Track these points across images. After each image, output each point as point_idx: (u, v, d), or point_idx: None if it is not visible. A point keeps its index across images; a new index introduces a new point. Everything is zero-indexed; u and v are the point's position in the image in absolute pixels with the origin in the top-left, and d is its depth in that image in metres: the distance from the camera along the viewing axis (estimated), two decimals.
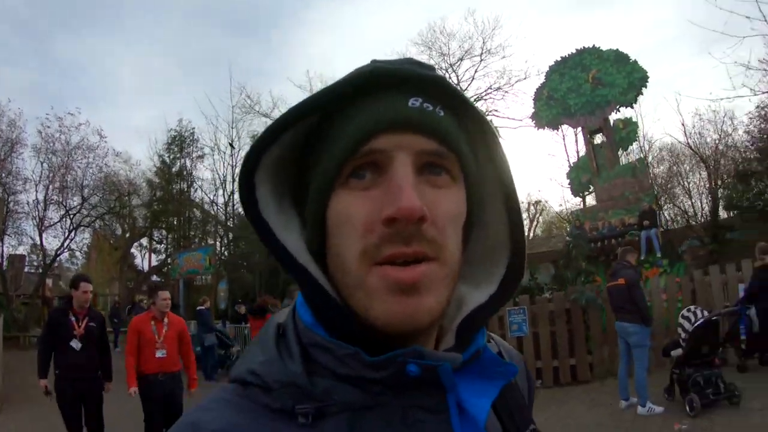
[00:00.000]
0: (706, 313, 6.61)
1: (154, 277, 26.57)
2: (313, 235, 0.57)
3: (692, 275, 9.38)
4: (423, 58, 23.62)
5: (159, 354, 5.25)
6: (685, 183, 20.94)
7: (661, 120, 49.02)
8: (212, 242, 24.89)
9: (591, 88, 14.21)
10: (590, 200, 17.20)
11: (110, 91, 49.61)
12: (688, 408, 6.05)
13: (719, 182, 18.30)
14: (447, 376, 0.52)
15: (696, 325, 6.32)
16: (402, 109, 0.53)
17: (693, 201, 21.13)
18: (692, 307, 6.82)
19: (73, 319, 5.15)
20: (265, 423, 0.50)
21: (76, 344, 5.10)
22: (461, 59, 23.66)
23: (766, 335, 7.24)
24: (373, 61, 0.56)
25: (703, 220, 19.40)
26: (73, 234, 23.47)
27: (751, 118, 16.22)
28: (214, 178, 26.10)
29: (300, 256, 0.56)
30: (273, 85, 51.94)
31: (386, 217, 0.50)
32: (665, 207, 21.89)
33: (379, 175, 0.53)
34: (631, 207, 13.65)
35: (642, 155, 19.80)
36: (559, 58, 15.13)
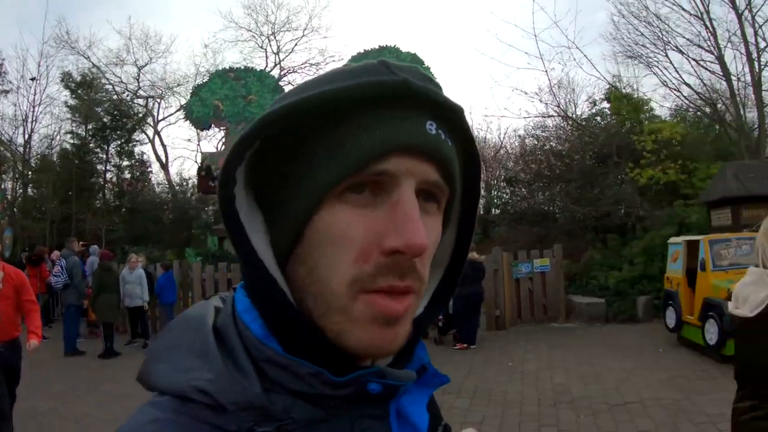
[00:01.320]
0: None
1: None
2: (284, 242, 0.52)
3: None
4: (247, 21, 23.57)
5: None
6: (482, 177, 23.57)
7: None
8: (4, 187, 22.49)
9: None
10: None
11: None
12: None
13: (494, 183, 21.02)
14: (403, 392, 0.54)
15: None
16: (421, 132, 0.49)
17: (491, 194, 24.05)
18: None
19: None
20: None
21: None
22: (282, 30, 24.47)
23: (458, 317, 9.03)
24: (382, 63, 0.51)
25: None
26: None
27: (526, 134, 18.91)
28: (15, 115, 23.09)
29: (269, 265, 0.51)
30: (91, 17, 46.41)
31: (391, 248, 0.47)
32: None
33: (378, 194, 0.49)
34: None
35: None
36: (362, 50, 15.95)
